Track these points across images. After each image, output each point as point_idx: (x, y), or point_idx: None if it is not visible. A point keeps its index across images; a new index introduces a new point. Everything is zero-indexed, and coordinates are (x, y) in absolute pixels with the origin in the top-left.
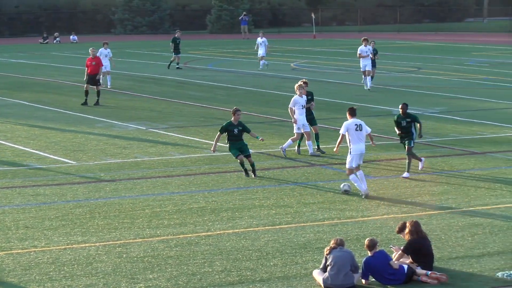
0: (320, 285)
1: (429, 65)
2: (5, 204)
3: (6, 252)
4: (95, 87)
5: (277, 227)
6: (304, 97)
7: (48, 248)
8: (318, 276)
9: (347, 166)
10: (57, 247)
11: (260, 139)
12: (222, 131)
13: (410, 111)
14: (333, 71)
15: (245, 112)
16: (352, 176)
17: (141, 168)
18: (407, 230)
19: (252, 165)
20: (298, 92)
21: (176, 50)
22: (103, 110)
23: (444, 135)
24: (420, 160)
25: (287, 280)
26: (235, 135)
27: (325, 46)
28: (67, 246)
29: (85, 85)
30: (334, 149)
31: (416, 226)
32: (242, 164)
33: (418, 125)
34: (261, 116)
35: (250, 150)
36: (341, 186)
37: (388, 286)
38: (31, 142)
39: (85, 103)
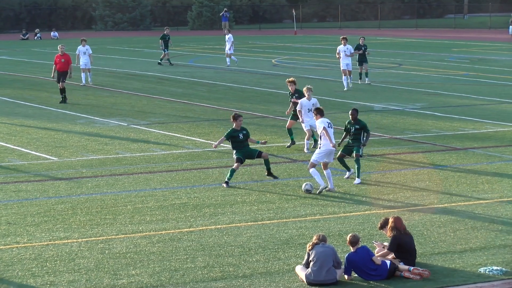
0: (303, 281)
1: (409, 61)
2: None
3: None
4: (60, 84)
5: (259, 223)
6: (312, 100)
7: (30, 244)
8: (301, 271)
9: (312, 159)
10: (40, 243)
11: (261, 142)
12: (227, 138)
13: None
14: (314, 67)
15: (226, 108)
16: (313, 170)
17: (122, 164)
18: (389, 226)
19: (266, 161)
20: (306, 95)
21: (166, 47)
22: (84, 106)
23: (425, 131)
24: (349, 170)
25: (270, 276)
26: (241, 141)
27: (306, 42)
28: (50, 242)
29: (60, 84)
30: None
31: (398, 222)
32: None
33: (365, 134)
34: (242, 112)
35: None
36: (303, 186)
37: (371, 282)
38: (13, 138)
39: (63, 101)
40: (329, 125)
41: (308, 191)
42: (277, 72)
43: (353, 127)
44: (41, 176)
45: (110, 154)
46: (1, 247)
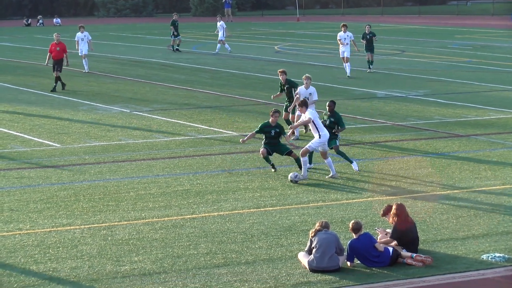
0: (306, 267)
1: (412, 48)
2: None
3: None
4: (54, 72)
5: (262, 209)
6: (310, 88)
7: (33, 231)
8: (303, 258)
9: (307, 145)
10: (42, 230)
11: (291, 143)
12: (259, 131)
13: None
14: (316, 54)
15: (229, 95)
16: (305, 158)
17: (125, 151)
18: (391, 212)
19: (298, 159)
20: (304, 83)
21: (176, 33)
22: (86, 93)
23: (427, 118)
24: (310, 163)
25: (272, 263)
26: (272, 137)
27: (309, 29)
28: (52, 229)
29: (54, 72)
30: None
31: (400, 209)
32: (266, 158)
33: (340, 128)
34: (245, 99)
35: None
36: (289, 175)
37: (373, 269)
38: (15, 125)
39: (62, 88)
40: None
41: (293, 181)
42: (280, 58)
43: (329, 120)
44: (43, 163)
45: (113, 140)
46: (4, 233)
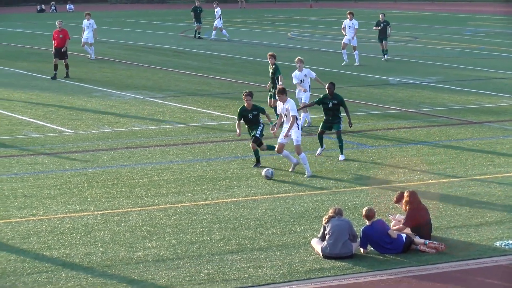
0: (319, 254)
1: (425, 35)
2: (3, 173)
3: (5, 220)
4: (62, 60)
5: (275, 196)
6: (304, 70)
7: (46, 217)
8: (317, 245)
9: (296, 141)
10: (56, 216)
11: (271, 128)
12: (238, 117)
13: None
14: (329, 41)
15: (242, 81)
16: (303, 155)
17: (138, 137)
18: (404, 200)
19: (256, 152)
20: (297, 66)
21: (197, 19)
22: (100, 79)
23: (440, 104)
24: (322, 146)
25: (286, 249)
26: (251, 120)
27: (322, 16)
28: (66, 215)
29: (54, 59)
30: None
31: (413, 196)
32: (254, 152)
33: (345, 110)
34: (258, 85)
35: (261, 132)
36: (263, 172)
37: (387, 255)
38: (29, 111)
39: (54, 77)
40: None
41: (267, 177)
42: (292, 45)
43: (331, 102)
44: (57, 149)
45: (126, 127)
46: (17, 219)
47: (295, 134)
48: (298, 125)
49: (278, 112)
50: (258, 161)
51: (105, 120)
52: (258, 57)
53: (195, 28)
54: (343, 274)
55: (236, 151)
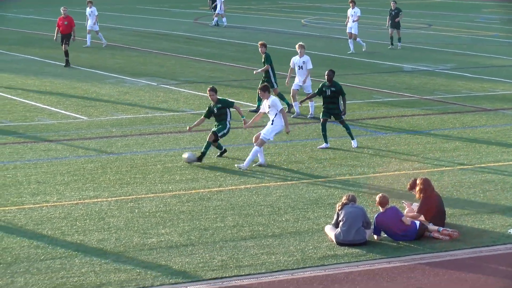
0: (332, 241)
1: (439, 22)
2: (16, 159)
3: (18, 207)
4: (62, 46)
5: (288, 183)
6: (304, 57)
7: (60, 203)
8: (330, 231)
9: (263, 136)
10: (69, 202)
11: (243, 119)
12: (206, 115)
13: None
14: (343, 28)
15: (254, 68)
16: (259, 149)
17: (152, 123)
18: (418, 188)
19: (207, 144)
20: (298, 52)
21: (215, 7)
22: (112, 66)
23: (455, 91)
24: (327, 142)
25: (299, 235)
26: (215, 114)
27: (336, 3)
28: (79, 201)
29: (62, 46)
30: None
31: (426, 183)
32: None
33: (342, 98)
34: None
35: (223, 131)
36: (184, 155)
37: (400, 242)
38: (42, 97)
39: (67, 64)
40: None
41: (189, 160)
42: (306, 32)
43: (329, 90)
44: (70, 135)
45: (140, 113)
46: (31, 205)
47: (270, 128)
48: (273, 121)
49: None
50: (223, 151)
51: (118, 106)
52: (270, 43)
53: (214, 15)
54: (356, 261)
55: (249, 138)
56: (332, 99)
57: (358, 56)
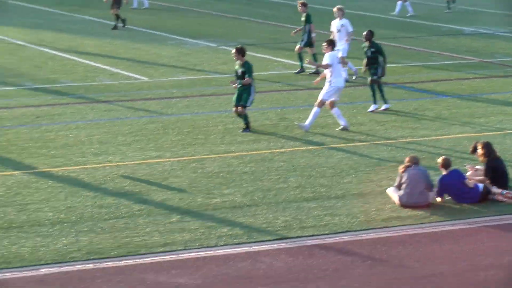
0: (395, 203)
1: None
2: (78, 119)
3: (81, 166)
4: (112, 10)
5: (350, 144)
6: (342, 21)
7: (123, 163)
8: (393, 193)
9: (321, 97)
10: (132, 162)
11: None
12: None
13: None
14: None
15: (316, 30)
16: (318, 110)
17: (212, 85)
18: (480, 152)
19: (240, 116)
20: (336, 15)
21: None
22: (172, 26)
23: None
24: (375, 103)
25: (362, 197)
26: (238, 77)
27: None
28: (142, 161)
29: (112, 10)
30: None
31: (488, 147)
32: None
33: (382, 59)
34: (327, 33)
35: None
36: None
37: (464, 205)
38: (102, 58)
39: (124, 25)
40: (338, 61)
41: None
42: None
43: (369, 51)
44: (131, 96)
45: (200, 75)
46: (94, 165)
47: (325, 90)
48: (331, 81)
49: None
50: (247, 126)
51: (179, 68)
52: (329, 5)
53: None
54: (420, 223)
55: (310, 99)
56: (371, 60)
57: (416, 19)
